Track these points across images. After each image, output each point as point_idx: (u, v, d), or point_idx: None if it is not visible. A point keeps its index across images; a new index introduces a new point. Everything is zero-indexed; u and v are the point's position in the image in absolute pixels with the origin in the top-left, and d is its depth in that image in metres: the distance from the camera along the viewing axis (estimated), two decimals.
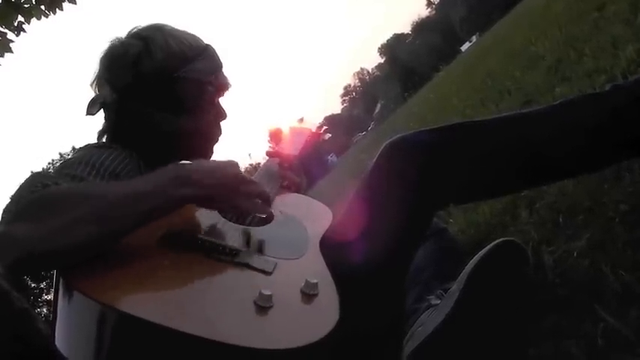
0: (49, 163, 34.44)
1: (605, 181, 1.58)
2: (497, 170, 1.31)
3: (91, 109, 1.40)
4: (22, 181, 1.16)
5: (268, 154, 1.77)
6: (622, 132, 1.30)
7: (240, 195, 1.16)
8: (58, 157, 34.83)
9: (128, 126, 1.42)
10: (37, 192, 1.06)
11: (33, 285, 26.55)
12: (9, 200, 1.10)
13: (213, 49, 1.51)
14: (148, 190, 1.04)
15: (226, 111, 1.56)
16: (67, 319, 0.92)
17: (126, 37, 1.45)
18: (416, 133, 1.32)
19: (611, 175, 1.58)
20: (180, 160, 1.47)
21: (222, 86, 1.53)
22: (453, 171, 1.27)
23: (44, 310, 25.26)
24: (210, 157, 1.56)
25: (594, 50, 3.30)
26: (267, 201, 1.23)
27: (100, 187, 1.16)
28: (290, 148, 1.74)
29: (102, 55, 1.45)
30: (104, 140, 1.46)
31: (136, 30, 1.47)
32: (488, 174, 1.31)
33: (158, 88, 1.41)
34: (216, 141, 1.56)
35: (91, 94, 1.45)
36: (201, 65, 1.45)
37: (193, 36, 1.49)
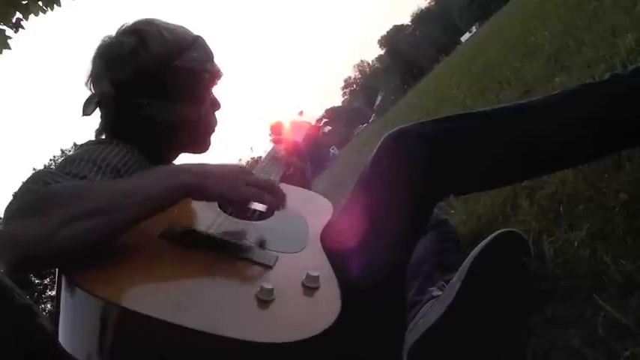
0: (50, 160, 34.49)
1: (606, 170, 1.58)
2: (498, 161, 1.31)
3: (87, 110, 1.41)
4: (25, 179, 1.17)
5: (274, 140, 1.79)
6: (621, 121, 1.30)
7: (241, 184, 1.13)
8: (59, 153, 34.87)
9: (129, 120, 1.43)
10: (39, 190, 1.06)
11: (37, 281, 26.67)
12: (12, 198, 1.11)
13: (203, 39, 1.53)
14: (149, 182, 1.04)
15: (220, 100, 1.59)
16: (69, 315, 0.93)
17: (118, 34, 1.47)
18: (416, 125, 1.32)
19: (611, 165, 1.58)
20: (180, 151, 1.49)
21: (216, 75, 1.55)
22: (455, 162, 1.28)
23: (48, 306, 25.34)
24: (208, 147, 1.58)
25: (594, 39, 3.29)
26: (272, 190, 1.20)
27: (101, 183, 1.17)
28: (291, 141, 1.76)
29: (96, 52, 1.47)
30: (103, 137, 1.47)
31: (126, 26, 1.48)
32: (489, 165, 1.31)
33: (157, 79, 1.42)
34: (213, 130, 1.58)
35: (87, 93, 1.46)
36: (196, 54, 1.47)
37: (183, 27, 1.52)
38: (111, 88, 1.41)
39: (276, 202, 1.18)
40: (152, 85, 1.42)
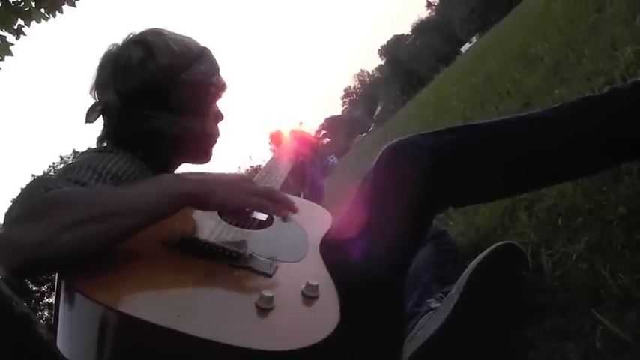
0: (49, 166, 34.47)
1: (604, 183, 1.59)
2: (498, 174, 1.32)
3: (90, 117, 1.41)
4: (25, 185, 1.17)
5: (274, 149, 1.81)
6: (621, 135, 1.31)
7: (243, 193, 1.13)
8: (59, 160, 34.85)
9: (132, 130, 1.43)
10: (40, 195, 1.06)
11: (34, 288, 26.61)
12: (12, 203, 1.11)
13: (210, 51, 1.53)
14: (151, 190, 1.04)
15: (223, 113, 1.60)
16: (68, 321, 0.92)
17: (125, 43, 1.46)
18: (417, 137, 1.33)
19: (609, 178, 1.58)
20: (182, 161, 1.49)
21: (221, 88, 1.56)
22: (455, 174, 1.28)
23: (46, 313, 25.31)
24: (210, 158, 1.58)
25: (593, 52, 3.30)
26: (274, 198, 1.19)
27: (103, 190, 1.16)
28: (291, 151, 1.77)
29: (102, 61, 1.47)
30: (105, 145, 1.47)
31: (134, 36, 1.48)
32: (488, 178, 1.32)
33: (163, 91, 1.42)
34: (216, 142, 1.59)
35: (90, 99, 1.46)
36: (203, 67, 1.48)
37: (191, 39, 1.52)
38: (116, 97, 1.41)
39: (279, 208, 1.18)
40: (158, 96, 1.42)
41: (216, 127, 1.59)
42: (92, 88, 1.47)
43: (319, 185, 1.82)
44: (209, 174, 1.14)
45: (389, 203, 1.27)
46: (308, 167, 1.80)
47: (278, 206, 1.19)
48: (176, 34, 1.50)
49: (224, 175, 1.16)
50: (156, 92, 1.42)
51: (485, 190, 1.38)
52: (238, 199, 1.12)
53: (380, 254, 1.21)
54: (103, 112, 1.43)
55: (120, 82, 1.42)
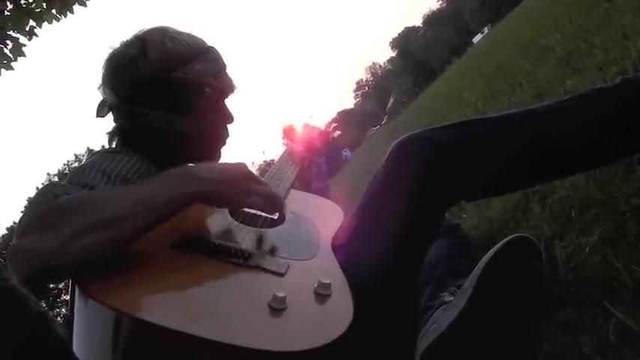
0: (64, 164, 34.78)
1: (617, 175, 1.58)
2: (509, 167, 1.31)
3: (100, 112, 1.43)
4: (38, 189, 1.18)
5: (287, 143, 1.81)
6: (633, 126, 1.30)
7: (249, 192, 1.14)
8: (73, 158, 35.12)
9: (134, 128, 1.43)
10: (49, 203, 1.07)
11: (51, 286, 26.79)
12: (24, 211, 1.12)
13: (217, 51, 1.52)
14: (157, 190, 1.04)
15: (233, 113, 1.57)
16: (81, 323, 0.93)
17: (125, 41, 1.47)
18: (426, 131, 1.32)
19: (622, 169, 1.58)
20: (188, 162, 1.49)
21: (225, 88, 1.54)
22: (465, 169, 1.27)
23: (63, 310, 25.50)
24: (218, 159, 1.58)
25: (605, 42, 3.28)
26: (278, 203, 1.21)
27: (109, 193, 1.17)
28: (303, 144, 1.78)
29: (104, 59, 1.48)
30: (115, 144, 1.48)
31: (135, 33, 1.48)
32: (500, 171, 1.31)
33: (155, 89, 1.42)
34: (223, 143, 1.58)
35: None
36: (200, 66, 1.46)
37: (196, 37, 1.51)
38: (114, 96, 1.42)
39: (282, 215, 1.18)
40: (151, 94, 1.42)
41: (223, 127, 1.57)
42: (99, 86, 1.49)
43: (324, 190, 1.81)
44: (214, 169, 1.14)
45: (399, 199, 1.26)
46: (314, 174, 1.80)
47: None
48: (180, 32, 1.49)
49: (228, 171, 1.15)
50: (148, 90, 1.42)
51: (497, 183, 1.38)
52: (245, 199, 1.13)
53: (392, 250, 1.20)
54: (110, 109, 1.45)
55: (115, 80, 1.44)
